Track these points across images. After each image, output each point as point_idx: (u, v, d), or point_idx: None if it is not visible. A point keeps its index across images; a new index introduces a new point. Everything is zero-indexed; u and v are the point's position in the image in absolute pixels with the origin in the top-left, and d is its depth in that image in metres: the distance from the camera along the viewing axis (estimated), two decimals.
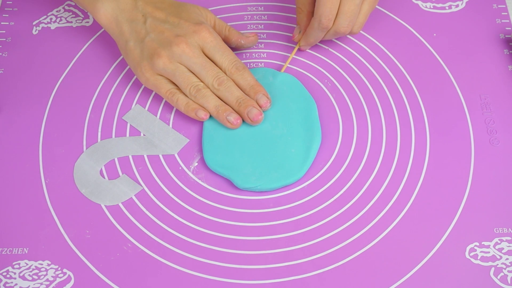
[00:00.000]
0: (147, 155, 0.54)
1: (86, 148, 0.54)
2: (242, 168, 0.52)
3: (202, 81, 0.52)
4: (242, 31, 0.60)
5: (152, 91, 0.57)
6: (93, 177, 0.52)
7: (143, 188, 0.52)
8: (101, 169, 0.53)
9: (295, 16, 0.62)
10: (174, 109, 0.56)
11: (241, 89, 0.53)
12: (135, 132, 0.55)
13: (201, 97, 0.52)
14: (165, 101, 0.57)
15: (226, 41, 0.57)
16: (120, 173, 0.53)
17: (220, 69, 0.53)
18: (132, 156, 0.54)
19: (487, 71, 0.58)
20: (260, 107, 0.53)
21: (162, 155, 0.54)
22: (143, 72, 0.52)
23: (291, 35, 0.61)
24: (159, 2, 0.54)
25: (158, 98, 0.57)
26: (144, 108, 0.56)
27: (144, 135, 0.55)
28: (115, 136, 0.55)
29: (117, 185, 0.52)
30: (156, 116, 0.56)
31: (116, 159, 0.53)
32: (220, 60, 0.52)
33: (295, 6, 0.63)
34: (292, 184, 0.52)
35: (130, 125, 0.55)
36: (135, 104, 0.57)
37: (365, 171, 0.53)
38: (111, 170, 0.53)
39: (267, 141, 0.53)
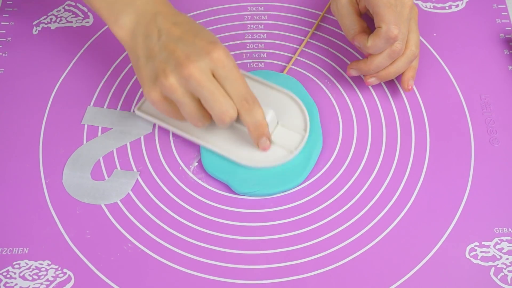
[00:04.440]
0: (146, 154, 0.54)
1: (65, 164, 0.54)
2: (240, 173, 0.52)
3: (208, 110, 0.48)
4: (242, 31, 0.61)
5: None
6: (88, 184, 0.52)
7: (144, 189, 0.52)
8: (91, 173, 0.53)
9: (295, 16, 0.62)
10: None
11: (246, 125, 0.49)
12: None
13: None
14: None
15: None
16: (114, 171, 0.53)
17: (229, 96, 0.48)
18: (132, 156, 0.54)
19: (487, 71, 0.58)
20: (261, 149, 0.51)
21: (162, 155, 0.54)
22: (149, 93, 0.48)
23: (291, 35, 0.61)
24: (180, 17, 0.50)
25: None
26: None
27: (112, 128, 0.55)
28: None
29: (115, 180, 0.52)
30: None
31: (101, 161, 0.53)
32: (229, 90, 0.47)
33: (294, 6, 0.63)
34: None
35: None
36: (90, 106, 0.57)
37: (365, 171, 0.53)
38: (109, 171, 0.53)
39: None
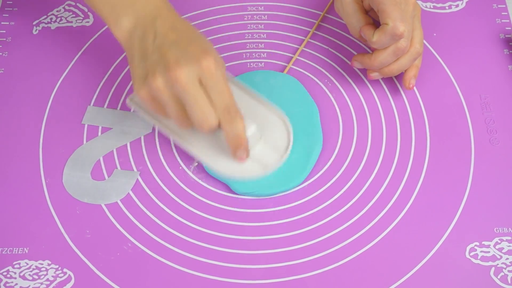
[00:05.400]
0: (146, 154, 0.54)
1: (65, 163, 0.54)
2: None
3: (189, 115, 0.48)
4: (242, 31, 0.61)
5: None
6: (88, 184, 0.52)
7: (145, 189, 0.52)
8: (91, 173, 0.53)
9: (295, 16, 0.62)
10: None
11: (225, 135, 0.49)
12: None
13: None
14: None
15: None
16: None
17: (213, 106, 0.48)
18: (132, 156, 0.54)
19: (487, 71, 0.58)
20: (237, 160, 0.51)
21: (162, 155, 0.54)
22: (139, 91, 0.48)
23: (291, 35, 0.61)
24: (179, 23, 0.50)
25: None
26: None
27: (112, 128, 0.55)
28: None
29: (115, 180, 0.52)
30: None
31: (102, 161, 0.54)
32: (214, 99, 0.47)
33: (295, 6, 0.63)
34: None
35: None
36: (90, 106, 0.57)
37: (365, 170, 0.53)
38: (109, 171, 0.53)
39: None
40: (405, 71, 0.55)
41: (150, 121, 0.53)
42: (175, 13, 0.51)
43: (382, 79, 0.58)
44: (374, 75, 0.55)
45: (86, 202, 0.51)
